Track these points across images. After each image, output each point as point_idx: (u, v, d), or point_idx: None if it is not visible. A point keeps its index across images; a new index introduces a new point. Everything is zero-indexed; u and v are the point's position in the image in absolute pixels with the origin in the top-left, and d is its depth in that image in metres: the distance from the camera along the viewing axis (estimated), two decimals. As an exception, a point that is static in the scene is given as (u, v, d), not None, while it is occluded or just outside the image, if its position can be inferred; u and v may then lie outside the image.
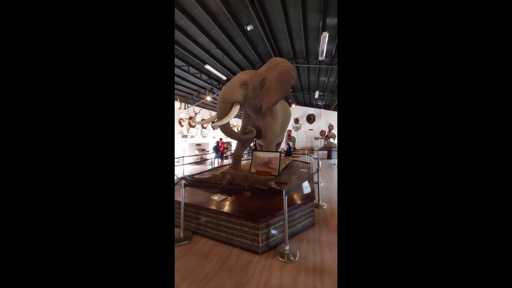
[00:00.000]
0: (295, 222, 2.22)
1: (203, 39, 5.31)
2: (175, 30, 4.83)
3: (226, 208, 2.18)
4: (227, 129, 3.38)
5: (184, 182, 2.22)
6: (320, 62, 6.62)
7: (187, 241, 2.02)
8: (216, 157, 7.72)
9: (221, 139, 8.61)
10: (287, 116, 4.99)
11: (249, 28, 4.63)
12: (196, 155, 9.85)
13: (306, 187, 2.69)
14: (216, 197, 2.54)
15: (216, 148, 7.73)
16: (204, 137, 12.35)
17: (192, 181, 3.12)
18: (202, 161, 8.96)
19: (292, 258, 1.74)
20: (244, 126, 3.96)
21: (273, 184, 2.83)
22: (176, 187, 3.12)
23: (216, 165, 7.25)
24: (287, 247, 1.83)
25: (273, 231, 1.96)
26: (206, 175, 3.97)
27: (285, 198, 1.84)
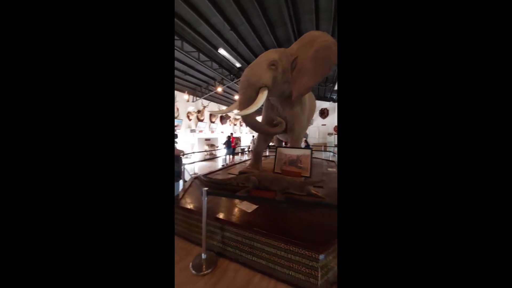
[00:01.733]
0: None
1: (216, 18, 4.68)
2: (187, 9, 4.21)
3: (261, 223, 1.62)
4: (251, 121, 2.78)
5: (206, 189, 1.66)
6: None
7: (210, 270, 1.48)
8: (228, 153, 7.16)
9: (231, 133, 8.04)
10: (313, 106, 4.36)
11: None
12: (206, 151, 9.34)
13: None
14: (243, 206, 1.99)
15: (228, 144, 7.16)
16: (212, 131, 11.84)
17: (209, 183, 2.58)
18: (212, 158, 8.45)
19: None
20: (268, 118, 3.33)
21: (312, 190, 2.25)
22: (190, 190, 2.60)
23: (227, 162, 6.73)
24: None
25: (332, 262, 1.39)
26: (220, 175, 3.43)
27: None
